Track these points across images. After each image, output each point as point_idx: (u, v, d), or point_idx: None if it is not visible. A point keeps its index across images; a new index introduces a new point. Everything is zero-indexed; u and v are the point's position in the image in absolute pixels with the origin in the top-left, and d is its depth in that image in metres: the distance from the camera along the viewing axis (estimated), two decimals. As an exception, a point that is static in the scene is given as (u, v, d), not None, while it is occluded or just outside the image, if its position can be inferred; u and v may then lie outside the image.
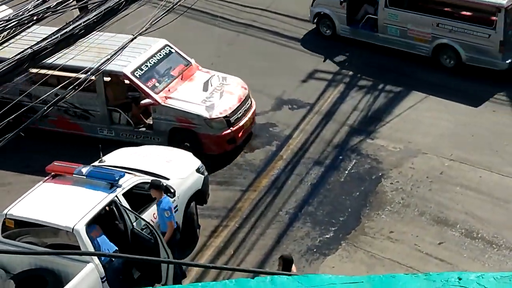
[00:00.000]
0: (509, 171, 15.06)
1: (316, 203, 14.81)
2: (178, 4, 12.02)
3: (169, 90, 16.11)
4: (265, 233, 14.14)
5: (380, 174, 15.39)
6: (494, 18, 17.51)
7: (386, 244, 13.63)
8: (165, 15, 12.27)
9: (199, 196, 14.22)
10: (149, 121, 16.24)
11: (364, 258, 13.43)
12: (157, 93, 15.90)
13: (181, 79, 16.56)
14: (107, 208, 12.56)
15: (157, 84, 16.12)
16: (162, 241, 12.33)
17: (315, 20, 20.23)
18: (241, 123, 16.05)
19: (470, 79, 18.04)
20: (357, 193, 14.96)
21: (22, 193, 12.90)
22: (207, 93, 16.32)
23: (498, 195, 14.54)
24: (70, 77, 14.34)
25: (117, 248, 12.15)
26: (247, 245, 13.81)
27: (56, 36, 9.41)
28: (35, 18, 9.34)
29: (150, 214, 13.05)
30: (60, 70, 14.25)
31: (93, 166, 13.40)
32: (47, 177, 13.06)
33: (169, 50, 17.02)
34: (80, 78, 13.58)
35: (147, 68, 16.19)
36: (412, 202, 14.56)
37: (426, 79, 18.23)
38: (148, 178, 13.43)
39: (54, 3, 10.03)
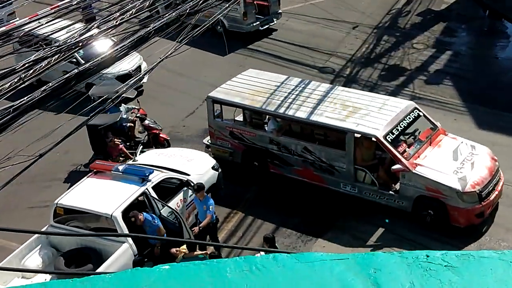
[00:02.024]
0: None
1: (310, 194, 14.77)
2: (197, 35, 12.00)
3: (418, 157, 13.37)
4: (268, 219, 14.09)
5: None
6: None
7: (367, 228, 13.58)
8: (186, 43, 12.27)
9: (214, 189, 14.21)
10: (396, 185, 13.51)
11: (349, 239, 13.39)
12: (407, 159, 13.17)
13: (430, 144, 13.70)
14: (139, 198, 12.56)
15: (407, 150, 13.41)
16: (185, 224, 12.33)
17: None
18: (491, 198, 13.08)
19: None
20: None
21: (70, 186, 12.92)
22: (457, 162, 13.26)
23: None
24: (319, 132, 14.14)
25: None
26: (253, 229, 13.78)
27: (98, 59, 9.41)
28: (80, 44, 9.34)
29: (175, 202, 13.06)
30: (307, 124, 14.08)
31: (127, 164, 13.41)
32: (90, 173, 13.08)
33: (418, 113, 14.13)
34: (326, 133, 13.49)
35: (397, 132, 13.51)
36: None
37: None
38: (173, 174, 13.45)
39: (96, 32, 10.04)
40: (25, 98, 8.05)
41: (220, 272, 3.18)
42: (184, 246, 11.87)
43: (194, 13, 10.47)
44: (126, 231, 11.69)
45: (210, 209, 12.51)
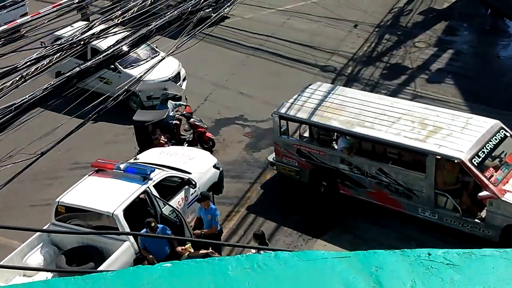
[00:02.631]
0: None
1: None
2: (199, 31, 12.00)
3: (507, 182, 12.33)
4: (270, 217, 14.11)
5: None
6: None
7: (368, 227, 13.58)
8: (188, 40, 12.27)
9: (216, 187, 14.21)
10: (481, 212, 12.49)
11: (351, 238, 13.39)
12: (495, 185, 12.11)
13: None
14: (140, 196, 12.56)
15: (494, 174, 12.35)
16: (185, 222, 12.33)
17: None
18: None
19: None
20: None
21: (71, 184, 12.93)
22: None
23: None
24: (393, 152, 13.24)
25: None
26: (254, 227, 13.77)
27: (99, 57, 9.42)
28: (82, 42, 9.34)
29: (176, 201, 13.05)
30: (382, 143, 13.16)
31: (129, 162, 13.41)
32: (91, 172, 13.08)
33: (504, 134, 12.96)
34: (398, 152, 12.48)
35: (483, 154, 12.40)
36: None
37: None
38: (174, 172, 13.44)
39: (98, 30, 10.04)
40: (26, 96, 8.06)
41: (222, 270, 3.18)
42: (190, 245, 11.88)
43: (195, 11, 10.47)
44: (127, 229, 11.69)
45: (216, 220, 12.42)
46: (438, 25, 22.13)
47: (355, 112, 13.73)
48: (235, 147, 16.56)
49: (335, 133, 14.21)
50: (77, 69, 9.01)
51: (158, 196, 12.50)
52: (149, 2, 10.31)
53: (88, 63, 9.28)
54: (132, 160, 13.84)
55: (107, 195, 12.38)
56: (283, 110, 14.42)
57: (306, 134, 15.01)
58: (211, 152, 15.86)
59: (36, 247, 12.16)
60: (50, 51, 8.74)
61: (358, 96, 14.43)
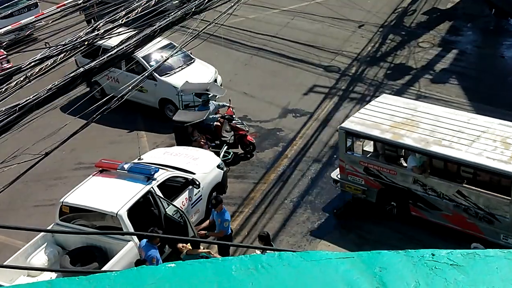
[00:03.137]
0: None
1: (315, 193, 14.77)
2: (203, 31, 12.01)
3: None
4: (273, 218, 14.11)
5: (367, 170, 15.31)
6: None
7: (372, 227, 13.57)
8: (192, 40, 12.29)
9: (220, 187, 14.21)
10: None
11: (354, 238, 13.38)
12: None
13: None
14: (144, 197, 12.57)
15: None
16: (189, 222, 12.33)
17: None
18: None
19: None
20: (349, 185, 14.90)
21: (76, 184, 12.95)
22: None
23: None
24: (468, 171, 12.38)
25: None
26: (258, 228, 13.78)
27: (103, 57, 9.42)
28: (86, 43, 9.34)
29: (180, 201, 13.06)
30: (460, 164, 12.24)
31: (133, 163, 13.42)
32: (95, 172, 13.10)
33: None
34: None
35: None
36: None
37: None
38: (178, 172, 13.45)
39: (102, 31, 10.04)
40: (31, 96, 8.07)
41: (225, 270, 3.19)
42: (189, 244, 11.89)
43: (199, 11, 10.47)
44: (131, 229, 11.70)
45: (224, 226, 12.28)
46: (442, 25, 22.10)
47: (429, 129, 12.81)
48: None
49: (402, 150, 13.36)
50: (81, 69, 9.02)
51: (162, 196, 12.51)
52: (153, 2, 10.31)
53: (92, 64, 9.28)
54: (136, 160, 13.85)
55: (111, 195, 12.40)
56: (349, 126, 13.44)
57: (367, 148, 14.17)
58: (251, 155, 15.78)
59: (40, 247, 12.18)
60: (54, 51, 8.74)
61: (431, 111, 13.52)
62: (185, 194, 13.29)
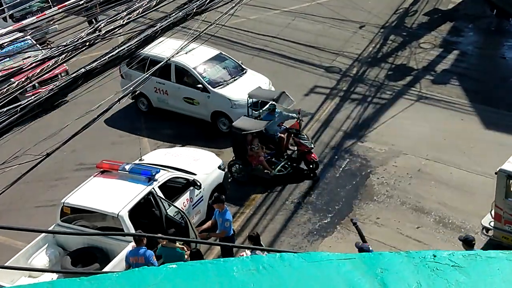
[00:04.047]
0: (474, 168, 14.96)
1: (316, 194, 14.76)
2: (203, 32, 12.00)
3: None
4: (274, 219, 14.10)
5: (368, 171, 15.33)
6: None
7: (374, 228, 13.56)
8: (193, 41, 12.28)
9: (220, 188, 14.21)
10: None
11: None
12: None
13: None
14: (145, 198, 12.57)
15: None
16: (190, 223, 12.32)
17: None
18: None
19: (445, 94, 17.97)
20: (350, 186, 14.90)
21: (77, 185, 12.95)
22: None
23: (466, 189, 14.45)
24: None
25: None
26: (259, 228, 13.78)
27: (105, 58, 9.41)
28: (87, 44, 9.34)
29: (181, 202, 13.06)
30: None
31: (134, 163, 13.43)
32: (96, 173, 13.10)
33: None
34: None
35: None
36: (395, 194, 14.49)
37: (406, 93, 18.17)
38: (179, 173, 13.45)
39: (103, 32, 10.04)
40: (32, 97, 8.08)
41: (227, 271, 3.19)
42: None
43: (200, 12, 10.47)
44: (132, 230, 11.70)
45: (226, 226, 12.15)
46: (443, 26, 22.08)
47: None
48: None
49: None
50: (82, 70, 9.02)
51: (163, 197, 12.51)
52: (155, 3, 10.31)
53: (94, 64, 9.28)
54: (137, 161, 13.86)
55: (112, 196, 12.40)
56: None
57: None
58: (314, 174, 15.09)
59: (41, 248, 12.19)
60: (56, 52, 8.75)
61: None
62: (186, 195, 13.29)
